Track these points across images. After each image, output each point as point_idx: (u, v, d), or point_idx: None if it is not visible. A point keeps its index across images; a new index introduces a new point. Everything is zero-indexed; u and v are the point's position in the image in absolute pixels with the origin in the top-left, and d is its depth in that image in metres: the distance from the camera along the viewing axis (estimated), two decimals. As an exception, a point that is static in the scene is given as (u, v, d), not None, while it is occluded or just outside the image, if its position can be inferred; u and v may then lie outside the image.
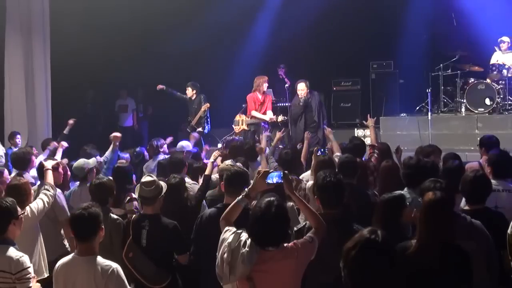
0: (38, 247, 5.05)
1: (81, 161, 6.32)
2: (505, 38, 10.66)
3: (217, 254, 3.49)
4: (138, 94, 13.68)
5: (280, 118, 10.09)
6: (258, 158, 7.15)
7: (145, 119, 13.78)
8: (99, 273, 3.57)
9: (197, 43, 12.51)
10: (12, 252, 3.89)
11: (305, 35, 12.55)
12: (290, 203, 4.61)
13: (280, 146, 7.93)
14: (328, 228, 3.62)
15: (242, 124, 10.43)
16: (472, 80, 10.73)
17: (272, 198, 3.40)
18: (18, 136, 9.10)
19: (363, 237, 2.62)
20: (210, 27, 12.14)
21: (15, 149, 8.47)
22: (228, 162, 5.67)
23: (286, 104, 10.89)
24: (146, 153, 8.32)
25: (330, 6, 11.92)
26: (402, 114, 11.45)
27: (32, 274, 3.93)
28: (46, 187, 5.22)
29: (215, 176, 5.93)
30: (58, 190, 5.58)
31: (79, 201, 5.73)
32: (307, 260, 3.47)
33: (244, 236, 3.40)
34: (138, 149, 8.37)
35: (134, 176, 6.20)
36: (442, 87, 11.11)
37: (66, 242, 5.75)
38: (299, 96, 9.95)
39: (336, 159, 5.77)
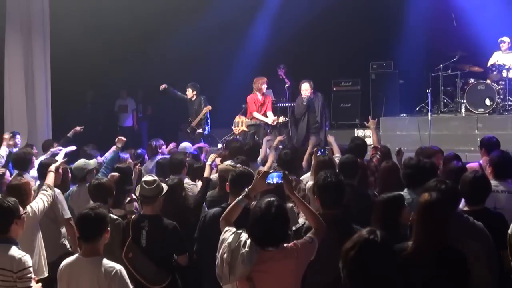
0: (38, 247, 5.06)
1: (81, 161, 6.32)
2: (505, 39, 10.66)
3: (217, 254, 3.49)
4: (137, 94, 13.69)
5: (281, 119, 10.09)
6: (259, 158, 7.15)
7: (144, 119, 13.79)
8: (103, 275, 3.58)
9: (197, 44, 12.51)
10: (15, 251, 3.92)
11: (305, 35, 12.55)
12: (290, 204, 4.61)
13: (280, 147, 7.92)
14: (328, 229, 3.62)
15: (241, 126, 10.43)
16: (472, 80, 10.73)
17: (272, 199, 3.41)
18: (18, 136, 9.09)
19: (362, 237, 2.62)
20: (210, 27, 12.15)
21: (15, 149, 8.47)
22: (228, 162, 5.67)
23: (286, 105, 10.89)
24: (146, 156, 8.32)
25: (330, 6, 11.92)
26: (402, 115, 11.44)
27: (33, 275, 3.94)
28: (44, 187, 5.23)
29: (214, 176, 5.94)
30: (57, 190, 5.58)
31: (78, 201, 5.76)
32: (307, 261, 3.48)
33: (244, 236, 3.41)
34: (139, 151, 8.37)
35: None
36: (442, 88, 11.11)
37: (66, 242, 5.76)
38: (303, 96, 9.96)
39: (337, 160, 5.77)
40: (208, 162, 6.01)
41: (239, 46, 12.61)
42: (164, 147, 8.20)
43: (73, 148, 7.97)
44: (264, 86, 10.16)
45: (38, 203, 5.01)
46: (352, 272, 2.58)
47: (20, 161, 6.58)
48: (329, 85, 12.45)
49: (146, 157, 8.27)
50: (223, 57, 12.55)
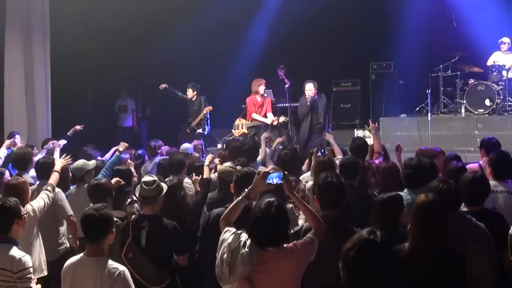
0: (37, 245, 5.07)
1: (80, 162, 6.32)
2: (506, 39, 10.66)
3: (217, 254, 3.49)
4: (137, 94, 13.69)
5: (282, 119, 10.09)
6: (259, 158, 7.16)
7: (143, 119, 13.79)
8: (106, 275, 3.58)
9: (196, 44, 12.52)
10: (15, 251, 3.92)
11: (305, 35, 12.55)
12: (290, 205, 4.61)
13: (280, 147, 7.93)
14: (327, 230, 3.62)
15: (242, 128, 10.42)
16: (472, 81, 10.73)
17: (272, 199, 3.41)
18: (17, 136, 9.09)
19: (362, 238, 2.62)
20: (210, 27, 12.14)
21: (14, 149, 8.47)
22: (228, 164, 5.67)
23: (286, 105, 10.89)
24: (147, 156, 8.32)
25: (330, 6, 11.93)
26: (402, 115, 11.44)
27: (33, 275, 3.95)
28: (48, 187, 5.24)
29: (214, 176, 5.94)
30: (57, 189, 5.59)
31: (77, 202, 5.76)
32: (306, 261, 3.47)
33: (243, 236, 3.41)
34: (139, 151, 8.37)
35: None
36: (442, 88, 11.11)
37: (66, 241, 5.77)
38: (306, 96, 9.96)
39: (337, 162, 5.77)
40: (206, 163, 6.01)
41: (239, 46, 12.60)
42: (163, 147, 8.20)
43: (64, 141, 7.99)
44: (262, 88, 10.15)
45: (39, 202, 5.02)
46: (352, 272, 2.58)
47: (20, 161, 6.58)
48: (329, 85, 12.44)
49: (146, 157, 8.28)
50: (223, 57, 12.55)
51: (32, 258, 4.57)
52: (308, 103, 9.94)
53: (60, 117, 11.00)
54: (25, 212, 4.30)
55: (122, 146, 7.03)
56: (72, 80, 11.91)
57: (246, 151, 6.95)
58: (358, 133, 11.14)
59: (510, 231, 3.95)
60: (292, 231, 3.83)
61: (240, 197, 3.68)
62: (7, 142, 8.26)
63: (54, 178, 5.36)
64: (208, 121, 10.70)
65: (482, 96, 10.37)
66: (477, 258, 3.76)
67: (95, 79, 12.71)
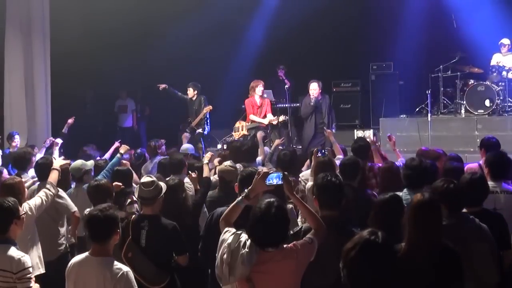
0: (34, 244, 5.06)
1: (78, 162, 6.32)
2: (505, 41, 10.66)
3: (216, 255, 3.49)
4: (137, 94, 13.69)
5: (282, 118, 10.09)
6: (259, 159, 7.16)
7: (142, 119, 13.78)
8: (109, 276, 3.58)
9: (196, 44, 12.53)
10: (13, 251, 3.92)
11: (305, 36, 12.55)
12: (290, 205, 4.61)
13: (280, 147, 7.92)
14: (327, 230, 3.62)
15: (242, 130, 10.41)
16: (472, 81, 10.73)
17: (272, 199, 3.41)
18: (16, 136, 9.10)
19: (362, 238, 2.62)
20: (209, 28, 12.14)
21: (14, 149, 8.48)
22: (228, 163, 5.67)
23: (286, 105, 10.89)
24: (147, 155, 8.32)
25: (330, 7, 11.93)
26: (401, 116, 11.44)
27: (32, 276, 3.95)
28: (48, 186, 5.24)
29: (214, 177, 5.94)
30: (58, 188, 5.59)
31: (76, 202, 5.76)
32: (306, 261, 3.47)
33: (243, 237, 3.40)
34: (139, 150, 8.37)
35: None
36: (442, 89, 11.11)
37: (66, 242, 5.77)
38: (311, 96, 9.97)
39: (337, 162, 5.76)
40: (205, 161, 6.01)
41: (238, 46, 12.60)
42: (164, 147, 8.20)
43: (61, 141, 8.01)
44: (259, 89, 10.12)
45: (36, 201, 5.02)
46: (352, 272, 2.58)
47: (19, 161, 6.58)
48: (329, 86, 12.44)
49: (147, 156, 8.28)
50: (222, 57, 12.55)
51: (30, 256, 4.57)
52: (312, 103, 9.94)
53: (60, 118, 10.99)
54: (23, 212, 4.30)
55: (123, 148, 7.05)
56: (72, 80, 11.92)
57: (245, 151, 6.95)
58: (358, 133, 11.13)
59: None
60: (291, 231, 3.82)
61: (240, 197, 3.68)
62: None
63: (53, 176, 5.35)
64: (208, 121, 10.69)
65: (482, 97, 10.36)
66: (481, 258, 3.77)
67: (94, 79, 12.71)
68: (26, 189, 5.17)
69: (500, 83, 10.42)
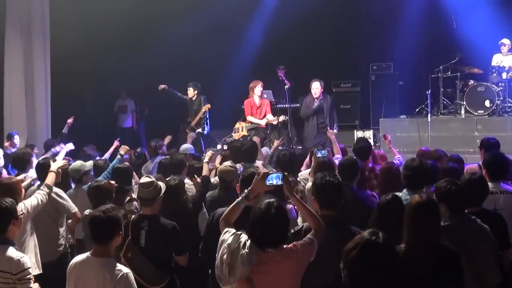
0: (31, 243, 5.06)
1: (77, 163, 6.31)
2: (506, 41, 10.65)
3: (216, 255, 3.49)
4: (137, 95, 13.69)
5: (282, 118, 10.08)
6: (259, 163, 7.15)
7: (141, 119, 13.77)
8: (109, 277, 3.58)
9: (196, 44, 12.52)
10: (12, 252, 3.92)
11: (305, 36, 12.56)
12: (289, 206, 4.61)
13: (280, 148, 7.92)
14: (326, 230, 3.62)
15: (242, 131, 10.41)
16: (471, 82, 10.73)
17: (272, 200, 3.41)
18: (16, 136, 9.09)
19: (363, 238, 2.62)
20: (209, 28, 12.15)
21: (13, 150, 8.47)
22: (228, 163, 5.67)
23: (286, 106, 10.89)
24: (147, 155, 8.32)
25: (330, 7, 11.93)
26: (401, 116, 11.43)
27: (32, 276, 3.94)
28: (43, 187, 5.24)
29: (215, 179, 5.94)
30: (59, 189, 5.59)
31: (75, 203, 5.76)
32: (306, 261, 3.47)
33: (243, 237, 3.40)
34: (139, 150, 8.37)
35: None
36: (442, 89, 11.10)
37: (66, 242, 5.77)
38: (313, 95, 9.95)
39: (337, 162, 5.77)
40: (205, 160, 6.01)
41: (238, 47, 12.60)
42: (164, 147, 8.19)
43: (72, 147, 7.98)
44: (258, 89, 10.12)
45: (32, 201, 5.02)
46: (353, 272, 2.58)
47: (19, 161, 6.58)
48: (329, 86, 12.41)
49: (147, 155, 8.27)
50: (222, 58, 12.55)
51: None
52: (314, 107, 9.92)
53: (59, 118, 10.98)
54: (21, 212, 4.30)
55: (123, 149, 7.05)
56: (71, 80, 11.92)
57: (244, 151, 6.95)
58: (358, 134, 11.14)
59: None
60: (292, 230, 3.82)
61: (240, 197, 3.68)
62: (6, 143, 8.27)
63: (50, 178, 5.34)
64: (208, 121, 10.69)
65: (482, 97, 10.36)
66: (483, 259, 3.78)
67: (94, 80, 12.71)
68: (23, 189, 5.17)
69: (500, 84, 10.42)
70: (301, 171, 6.57)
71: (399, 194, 4.48)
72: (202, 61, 12.49)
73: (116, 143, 8.02)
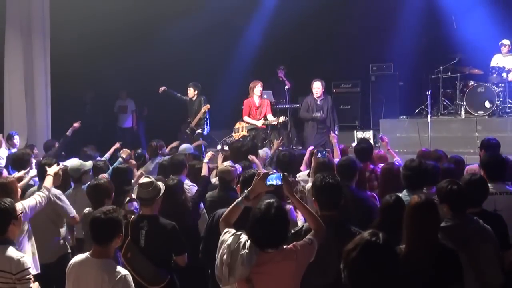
0: (28, 244, 5.05)
1: (77, 162, 6.29)
2: (506, 41, 10.65)
3: (216, 255, 3.49)
4: (136, 95, 13.68)
5: (282, 119, 10.08)
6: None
7: (141, 119, 13.76)
8: (107, 278, 3.57)
9: (196, 44, 12.52)
10: (12, 252, 3.92)
11: (305, 36, 12.56)
12: (289, 206, 4.61)
13: (280, 148, 7.92)
14: (326, 230, 3.62)
15: (242, 131, 10.41)
16: (472, 82, 10.73)
17: (271, 200, 3.41)
18: (16, 136, 9.09)
19: (363, 239, 2.62)
20: (209, 28, 12.16)
21: (13, 150, 8.47)
22: (227, 163, 5.67)
23: (286, 106, 10.89)
24: (147, 155, 8.31)
25: (330, 8, 11.92)
26: (401, 117, 11.44)
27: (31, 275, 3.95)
28: (42, 189, 5.24)
29: (215, 180, 5.93)
30: (58, 191, 5.59)
31: (74, 203, 5.76)
32: (306, 262, 3.47)
33: (243, 237, 3.40)
34: (139, 150, 8.36)
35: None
36: (442, 90, 11.10)
37: (66, 243, 5.77)
38: (314, 94, 9.93)
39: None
40: (205, 160, 6.01)
41: (238, 47, 12.61)
42: (165, 148, 8.18)
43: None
44: (258, 89, 10.12)
45: (30, 202, 5.02)
46: (353, 273, 2.58)
47: (18, 162, 6.58)
48: (329, 86, 12.40)
49: (147, 156, 8.26)
50: (222, 58, 12.55)
51: None
52: (314, 115, 9.87)
53: (59, 118, 11.00)
54: (20, 212, 4.30)
55: (124, 153, 7.04)
56: (71, 80, 11.92)
57: (245, 152, 6.95)
58: (358, 134, 11.14)
59: None
60: (292, 230, 3.82)
61: (240, 198, 3.68)
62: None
63: (48, 181, 5.34)
64: (208, 122, 10.68)
65: (482, 98, 10.36)
66: (485, 259, 3.78)
67: (94, 80, 12.71)
68: (19, 189, 5.18)
69: (500, 85, 10.42)
70: (301, 170, 6.58)
71: (399, 195, 4.47)
72: (202, 61, 12.49)
73: (116, 144, 8.00)
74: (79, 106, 12.99)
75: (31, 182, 6.33)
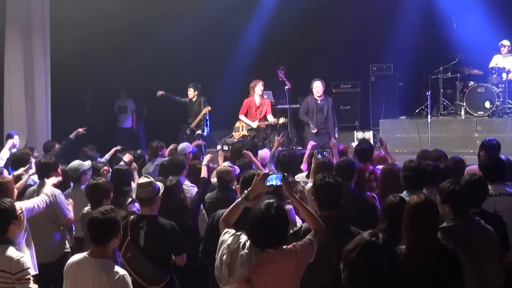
0: (25, 245, 5.05)
1: (75, 162, 6.29)
2: (505, 42, 10.66)
3: (216, 256, 3.49)
4: (136, 95, 13.67)
5: (282, 120, 10.08)
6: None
7: (140, 119, 13.76)
8: (105, 278, 3.57)
9: (195, 44, 12.51)
10: (12, 252, 3.92)
11: (304, 36, 12.57)
12: (289, 206, 4.61)
13: (280, 149, 7.92)
14: (325, 230, 3.62)
15: (242, 130, 10.41)
16: (471, 83, 10.74)
17: (271, 200, 3.41)
18: (16, 136, 9.08)
19: (363, 239, 2.62)
20: (209, 28, 12.15)
21: (13, 150, 8.45)
22: (226, 164, 5.67)
23: (286, 106, 10.88)
24: (147, 156, 8.30)
25: (330, 8, 11.92)
26: (401, 117, 11.45)
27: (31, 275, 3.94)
28: (42, 195, 5.27)
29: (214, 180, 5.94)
30: (58, 191, 5.60)
31: (73, 203, 5.76)
32: (306, 262, 3.47)
33: (243, 238, 3.40)
34: (139, 151, 8.35)
35: None
36: (442, 90, 11.11)
37: (66, 242, 5.77)
38: (316, 94, 9.92)
39: None
40: (204, 162, 6.01)
41: (238, 47, 12.60)
42: (165, 149, 8.17)
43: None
44: (259, 88, 10.11)
45: (27, 203, 5.03)
46: (353, 273, 2.58)
47: (17, 162, 6.58)
48: (329, 87, 12.39)
49: (146, 157, 8.26)
50: (222, 58, 12.54)
51: None
52: (312, 127, 9.84)
53: (59, 118, 11.00)
54: (20, 211, 4.31)
55: (127, 157, 7.04)
56: (71, 80, 11.92)
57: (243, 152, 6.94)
58: (358, 134, 11.14)
59: None
60: (291, 231, 3.83)
61: (240, 198, 3.68)
62: (9, 143, 8.24)
63: (47, 188, 5.37)
64: (208, 122, 10.68)
65: (482, 98, 10.37)
66: (487, 260, 3.79)
67: (94, 80, 12.71)
68: (15, 190, 5.19)
69: (500, 85, 10.42)
70: (302, 170, 6.58)
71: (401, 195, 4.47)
72: (202, 62, 12.49)
73: (118, 147, 8.00)
74: (79, 106, 12.99)
75: (31, 182, 6.34)
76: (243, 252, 3.33)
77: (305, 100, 10.20)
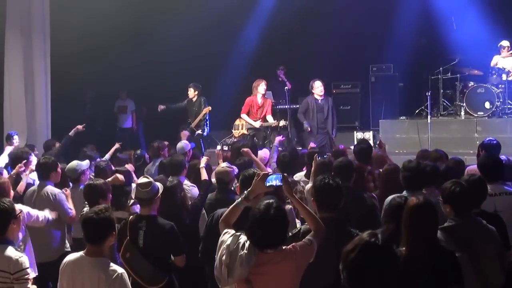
0: (24, 247, 5.05)
1: (74, 163, 6.28)
2: (505, 43, 10.66)
3: (215, 256, 3.49)
4: (136, 95, 13.67)
5: (282, 123, 10.08)
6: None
7: (140, 119, 13.75)
8: (104, 277, 3.57)
9: (195, 44, 12.51)
10: (11, 251, 3.92)
11: (304, 37, 12.56)
12: (289, 206, 4.61)
13: (280, 149, 7.92)
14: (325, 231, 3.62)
15: (242, 129, 10.41)
16: (471, 83, 10.74)
17: (271, 201, 3.41)
18: (15, 136, 9.08)
19: (362, 240, 2.61)
20: (208, 28, 12.14)
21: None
22: (224, 164, 5.67)
23: (286, 107, 10.88)
24: (147, 156, 8.30)
25: (330, 8, 11.91)
26: (401, 117, 11.44)
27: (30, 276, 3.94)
28: (46, 211, 5.35)
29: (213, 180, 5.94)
30: (58, 190, 5.63)
31: (72, 203, 5.76)
32: (306, 263, 3.47)
33: (242, 238, 3.40)
34: (138, 151, 8.35)
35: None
36: (442, 91, 11.11)
37: (66, 242, 5.78)
38: (318, 93, 9.91)
39: None
40: (201, 165, 6.01)
41: (238, 47, 12.59)
42: (166, 149, 8.16)
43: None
44: (262, 87, 10.11)
45: (30, 210, 5.09)
46: (352, 274, 2.58)
47: (17, 161, 6.58)
48: (328, 87, 12.40)
49: (147, 157, 8.25)
50: (222, 58, 12.54)
51: None
52: (315, 106, 9.83)
53: (59, 118, 10.99)
54: (20, 211, 4.31)
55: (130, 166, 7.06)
56: (71, 80, 11.91)
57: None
58: (358, 135, 11.14)
59: None
60: (290, 233, 3.82)
61: (240, 199, 3.68)
62: (7, 149, 8.25)
63: (53, 214, 5.45)
64: (208, 122, 10.69)
65: (481, 99, 10.36)
66: (487, 259, 3.79)
67: (94, 80, 12.70)
68: (11, 189, 5.19)
69: (500, 85, 10.42)
70: (303, 170, 6.58)
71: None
72: (202, 62, 12.48)
73: (116, 145, 7.98)
74: (79, 106, 12.98)
75: (31, 181, 6.34)
76: (242, 253, 3.32)
77: (305, 100, 10.18)
